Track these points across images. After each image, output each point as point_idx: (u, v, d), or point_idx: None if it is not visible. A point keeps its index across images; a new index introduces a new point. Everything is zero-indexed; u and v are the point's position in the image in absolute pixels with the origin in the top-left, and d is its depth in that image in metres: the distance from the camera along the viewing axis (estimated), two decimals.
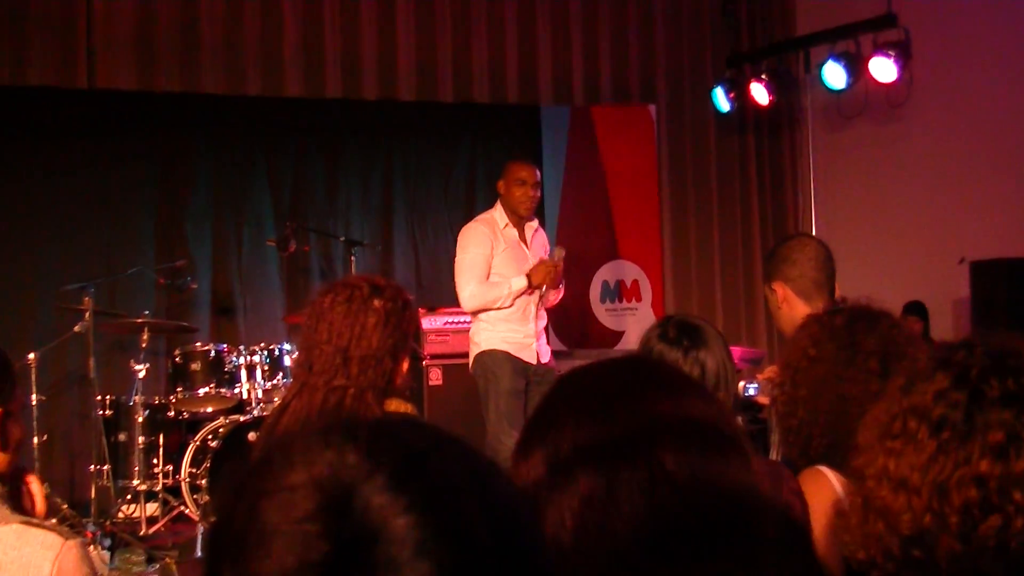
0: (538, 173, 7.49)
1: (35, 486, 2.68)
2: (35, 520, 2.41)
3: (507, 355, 7.09)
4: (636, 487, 1.44)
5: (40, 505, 2.69)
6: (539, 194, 7.50)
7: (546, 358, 7.42)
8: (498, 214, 7.38)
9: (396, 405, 3.37)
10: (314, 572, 0.90)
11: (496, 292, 7.10)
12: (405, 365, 3.40)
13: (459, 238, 7.39)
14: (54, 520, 6.67)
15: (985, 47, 8.85)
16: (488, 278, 7.15)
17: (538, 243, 7.53)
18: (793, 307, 4.07)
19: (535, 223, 7.57)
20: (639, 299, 9.84)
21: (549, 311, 8.85)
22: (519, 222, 7.40)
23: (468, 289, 7.13)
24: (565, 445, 1.50)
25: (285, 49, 8.80)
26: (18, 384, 2.62)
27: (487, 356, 7.13)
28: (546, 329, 7.75)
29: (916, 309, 8.88)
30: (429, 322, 8.59)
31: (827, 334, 2.70)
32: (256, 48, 8.73)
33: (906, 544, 1.72)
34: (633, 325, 9.54)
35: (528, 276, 7.06)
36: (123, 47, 8.35)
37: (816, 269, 4.12)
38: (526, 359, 7.21)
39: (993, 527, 1.65)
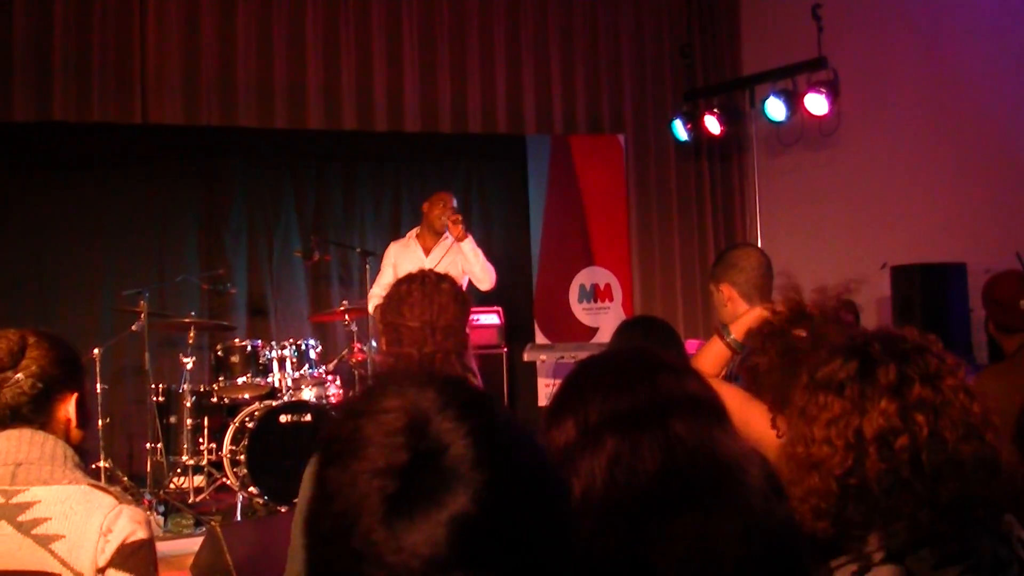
0: (454, 200, 7.73)
1: None
2: (102, 484, 2.46)
3: None
4: (656, 448, 1.53)
5: None
6: (457, 216, 7.51)
7: None
8: (411, 232, 7.84)
9: (468, 378, 3.36)
10: (396, 473, 1.01)
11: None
12: (469, 339, 3.47)
13: None
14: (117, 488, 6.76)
15: (902, 84, 8.83)
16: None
17: (447, 257, 7.59)
18: (736, 305, 4.07)
19: (449, 240, 7.64)
20: (611, 299, 9.89)
21: (537, 311, 9.00)
22: (433, 239, 7.68)
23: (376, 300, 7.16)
24: (593, 415, 1.59)
25: (308, 88, 8.84)
26: (85, 370, 2.68)
27: None
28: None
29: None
30: None
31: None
32: (284, 87, 8.76)
33: (840, 480, 1.85)
34: (606, 322, 9.61)
35: None
36: (171, 87, 8.40)
37: (758, 276, 4.12)
38: None
39: (904, 444, 1.82)
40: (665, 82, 10.29)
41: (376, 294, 7.43)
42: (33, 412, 2.46)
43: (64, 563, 2.33)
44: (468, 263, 7.54)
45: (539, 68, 9.76)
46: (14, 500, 2.36)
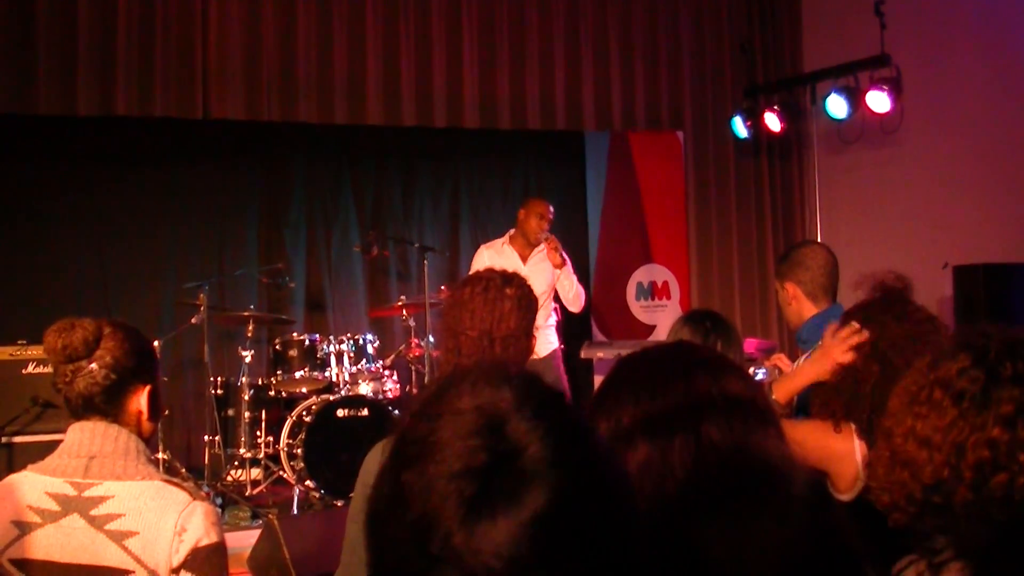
0: (552, 212, 7.67)
1: None
2: (175, 480, 2.48)
3: None
4: (687, 455, 1.48)
5: None
6: (549, 227, 7.59)
7: (537, 352, 7.35)
8: (504, 238, 7.75)
9: None
10: (474, 475, 1.00)
11: None
12: (535, 342, 3.37)
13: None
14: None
15: (965, 81, 8.72)
16: None
17: (540, 264, 7.62)
18: (801, 305, 4.05)
19: (543, 249, 7.61)
20: (668, 297, 9.84)
21: (594, 308, 8.98)
22: (526, 244, 7.64)
23: None
24: (626, 418, 1.54)
25: (368, 83, 8.82)
26: (158, 363, 2.68)
27: None
28: (559, 327, 7.84)
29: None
30: None
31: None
32: (344, 83, 8.76)
33: (927, 491, 1.81)
34: (663, 319, 9.55)
35: None
36: (233, 82, 8.41)
37: (825, 275, 4.09)
38: None
39: (1001, 483, 1.74)
40: (725, 78, 10.19)
41: None
42: (105, 403, 2.48)
43: (138, 560, 2.35)
44: (561, 284, 7.60)
45: (598, 64, 9.68)
46: (86, 493, 2.40)
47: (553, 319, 7.77)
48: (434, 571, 1.00)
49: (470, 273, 7.33)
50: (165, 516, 2.36)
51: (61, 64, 7.87)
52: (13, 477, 2.52)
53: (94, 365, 2.47)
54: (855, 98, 8.75)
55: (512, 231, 7.74)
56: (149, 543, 2.35)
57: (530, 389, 1.08)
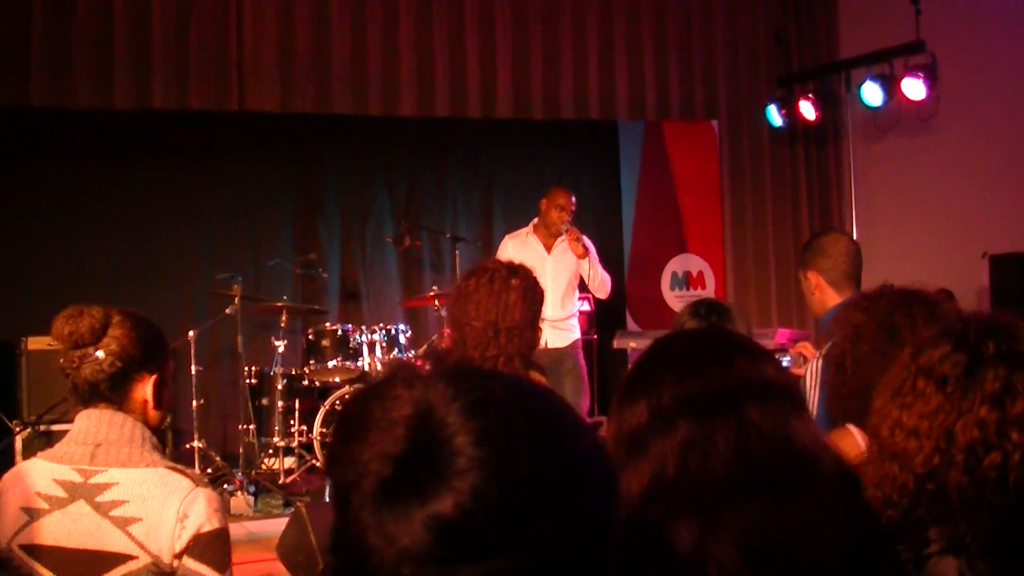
0: (574, 202, 7.62)
1: None
2: (179, 467, 2.50)
3: None
4: (730, 435, 1.50)
5: None
6: (570, 218, 7.53)
7: (557, 343, 7.36)
8: (528, 228, 7.69)
9: (535, 377, 3.33)
10: (393, 461, 0.99)
11: None
12: (540, 334, 3.38)
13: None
14: (197, 469, 6.91)
15: (1001, 68, 8.65)
16: None
17: (563, 254, 7.56)
18: (824, 294, 4.04)
19: (564, 241, 7.53)
20: (703, 287, 9.80)
21: (629, 298, 8.98)
22: (549, 236, 7.59)
23: None
24: (667, 398, 1.56)
25: (401, 75, 8.82)
26: (170, 354, 2.70)
27: None
28: (589, 317, 7.82)
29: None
30: None
31: (871, 316, 2.62)
32: (377, 75, 8.76)
33: (919, 480, 1.76)
34: None
35: None
36: (267, 75, 8.44)
37: (847, 263, 4.07)
38: None
39: (994, 462, 1.70)
40: (760, 67, 10.15)
41: None
42: (111, 390, 2.51)
43: (142, 546, 2.38)
44: (585, 273, 7.58)
45: (632, 53, 9.65)
46: (92, 480, 2.43)
47: (576, 308, 7.75)
48: (354, 548, 1.01)
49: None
50: (168, 503, 2.39)
51: (98, 59, 7.94)
52: (23, 464, 2.57)
53: (100, 353, 2.50)
54: (890, 85, 8.73)
55: (535, 220, 7.72)
56: (152, 529, 2.38)
57: (468, 386, 1.05)
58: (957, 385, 1.77)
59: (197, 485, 2.45)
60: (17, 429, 7.23)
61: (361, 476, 1.01)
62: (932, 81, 8.48)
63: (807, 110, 9.51)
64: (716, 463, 1.49)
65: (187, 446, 7.78)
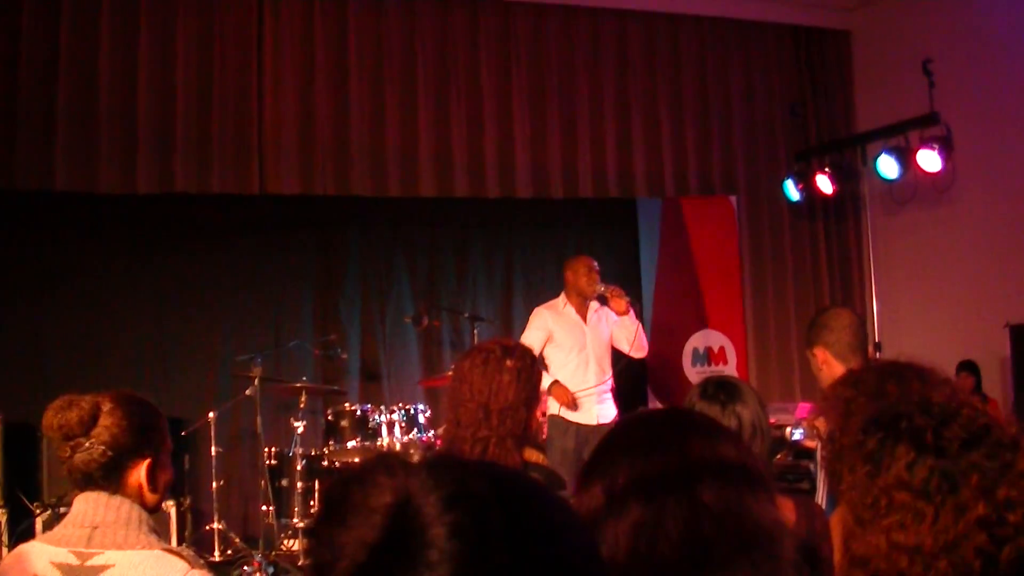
0: (597, 265, 7.72)
1: None
2: (176, 548, 2.53)
3: (561, 419, 7.38)
4: (680, 516, 1.48)
5: None
6: (600, 278, 7.67)
7: (606, 419, 7.48)
8: (560, 299, 7.74)
9: (529, 454, 3.35)
10: (369, 548, 0.98)
11: None
12: (538, 414, 3.38)
13: (530, 317, 7.80)
14: (217, 550, 6.90)
15: (1016, 138, 8.68)
16: (546, 349, 7.50)
17: (598, 318, 7.72)
18: (832, 368, 4.05)
19: (597, 304, 7.73)
20: (725, 363, 9.77)
21: (650, 375, 8.98)
22: (582, 303, 7.67)
23: None
24: (620, 479, 1.54)
25: (420, 156, 8.87)
26: (165, 435, 2.71)
27: (549, 420, 7.44)
28: (614, 392, 7.83)
29: (968, 367, 8.71)
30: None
31: (860, 390, 2.55)
32: (396, 156, 8.81)
33: None
34: None
35: (550, 389, 7.35)
36: (288, 158, 8.47)
37: (851, 335, 4.11)
38: (581, 421, 7.42)
39: (1010, 558, 1.61)
40: (777, 141, 10.20)
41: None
42: (103, 478, 2.55)
43: None
44: (622, 330, 7.66)
45: (649, 130, 9.70)
46: (89, 563, 2.46)
47: (610, 382, 7.76)
48: None
49: (529, 331, 7.45)
50: None
51: (121, 142, 8.02)
52: (23, 547, 2.60)
53: (91, 442, 2.54)
54: (906, 158, 8.75)
55: (563, 294, 7.77)
56: None
57: (449, 477, 1.04)
58: (942, 492, 1.66)
59: (193, 567, 2.47)
60: (37, 511, 7.26)
61: (337, 559, 1.00)
62: (947, 153, 8.50)
63: (824, 184, 9.54)
64: (665, 544, 1.48)
65: (207, 528, 7.79)
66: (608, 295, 7.55)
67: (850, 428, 2.19)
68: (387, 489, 1.03)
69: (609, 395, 7.70)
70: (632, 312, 7.63)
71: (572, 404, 7.35)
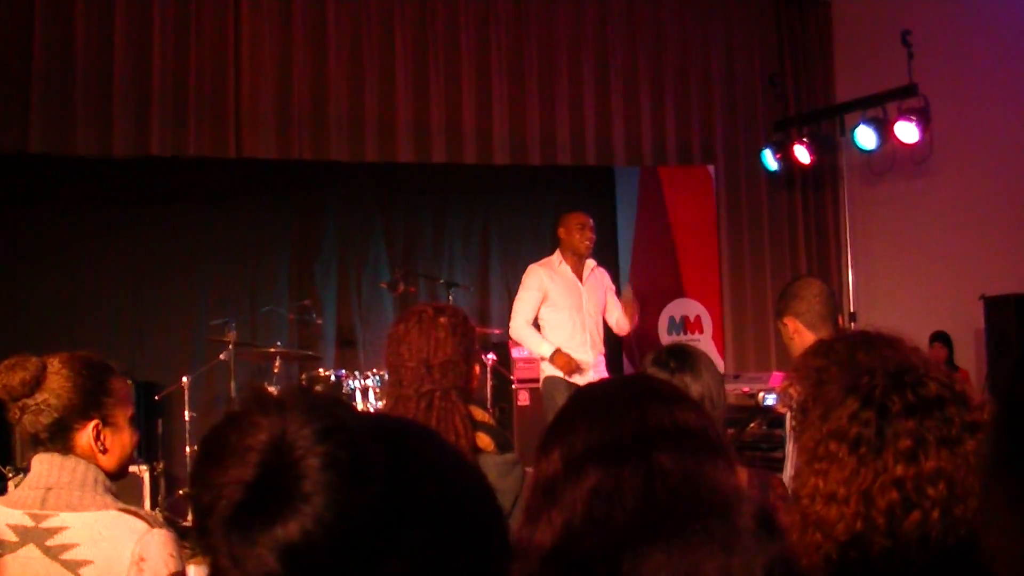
0: (591, 221, 7.57)
1: None
2: (133, 508, 2.51)
3: (563, 381, 7.20)
4: (638, 481, 1.47)
5: None
6: (594, 236, 7.54)
7: (602, 374, 7.44)
8: (555, 256, 7.57)
9: (476, 412, 3.33)
10: (245, 486, 0.99)
11: (530, 341, 7.35)
12: (477, 369, 3.38)
13: (523, 276, 7.59)
14: (191, 515, 6.93)
15: (994, 110, 8.72)
16: (540, 310, 7.38)
17: (595, 280, 7.63)
18: (803, 337, 4.07)
19: (592, 263, 7.63)
20: (701, 332, 9.80)
21: (625, 342, 8.99)
22: (577, 262, 7.54)
23: (516, 322, 7.38)
24: (579, 446, 1.53)
25: (399, 121, 8.88)
26: (118, 397, 2.65)
27: (548, 381, 7.32)
28: (607, 357, 7.84)
29: (941, 338, 8.76)
30: (518, 351, 8.66)
31: (831, 359, 2.62)
32: (374, 121, 8.82)
33: (843, 548, 1.74)
34: None
35: (552, 358, 7.24)
36: (265, 122, 8.48)
37: (821, 304, 4.14)
38: (580, 382, 7.22)
39: (914, 522, 1.69)
40: (756, 111, 10.23)
41: (516, 328, 7.42)
42: (51, 440, 2.53)
43: None
44: (614, 303, 7.66)
45: (628, 99, 9.72)
46: (43, 524, 2.45)
47: (601, 350, 7.71)
48: (212, 571, 1.04)
49: (524, 291, 7.38)
50: (121, 545, 2.41)
51: (97, 106, 8.00)
52: None
53: (37, 404, 2.53)
54: (884, 129, 8.77)
55: (558, 251, 7.62)
56: (104, 572, 2.39)
57: (322, 413, 1.04)
58: (870, 446, 1.75)
59: (153, 526, 2.46)
60: (10, 475, 7.25)
61: (216, 500, 1.02)
62: (925, 124, 8.54)
63: (802, 154, 9.56)
64: (621, 510, 1.47)
65: (180, 492, 7.80)
66: (631, 305, 7.59)
67: (822, 397, 2.29)
68: (262, 428, 1.03)
69: (603, 359, 7.66)
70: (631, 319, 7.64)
71: (576, 370, 7.25)
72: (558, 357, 7.22)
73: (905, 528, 1.70)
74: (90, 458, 2.56)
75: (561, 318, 7.41)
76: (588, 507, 1.48)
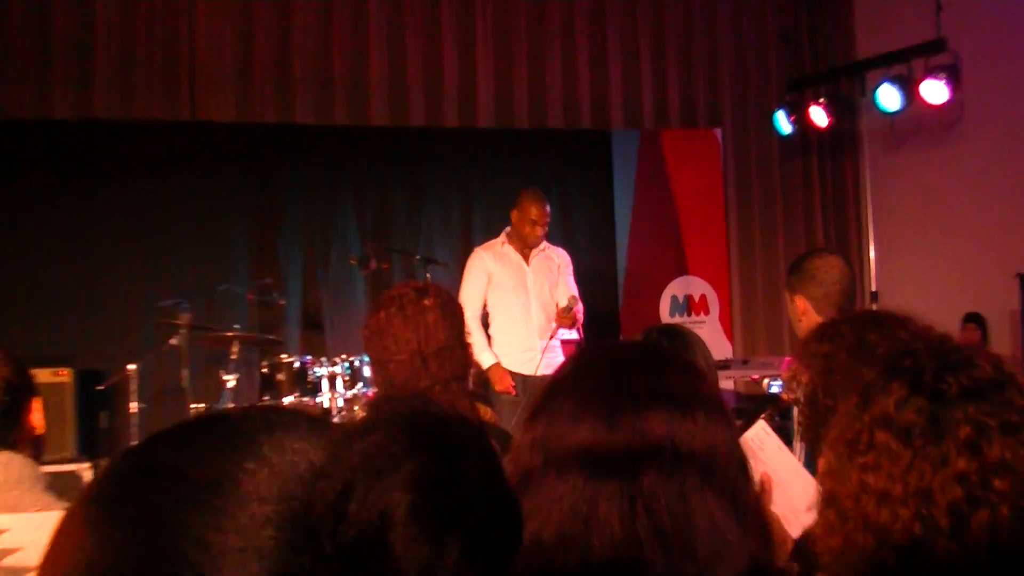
0: (548, 211, 7.43)
1: None
2: None
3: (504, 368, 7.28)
4: (619, 507, 1.42)
5: None
6: (546, 229, 7.44)
7: (548, 371, 7.23)
8: (500, 239, 7.57)
9: (481, 410, 3.37)
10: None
11: (474, 344, 7.20)
12: (471, 350, 3.32)
13: (467, 262, 7.64)
14: None
15: None
16: (485, 298, 7.43)
17: (543, 260, 7.53)
18: (811, 320, 3.97)
19: (544, 247, 7.52)
20: (707, 313, 9.76)
21: (623, 326, 8.82)
22: (525, 246, 7.48)
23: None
24: (568, 439, 1.50)
25: (371, 81, 8.85)
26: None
27: (491, 368, 7.30)
28: (578, 346, 7.56)
29: (975, 319, 8.77)
30: None
31: (838, 344, 2.52)
32: (344, 81, 8.77)
33: (902, 554, 1.59)
34: (702, 337, 9.34)
35: (490, 372, 7.24)
36: (222, 82, 8.45)
37: (839, 292, 4.06)
38: (524, 372, 7.30)
39: (983, 521, 1.55)
40: (768, 71, 10.23)
41: (470, 305, 7.19)
42: (5, 427, 2.58)
43: None
44: (565, 291, 7.44)
45: (627, 56, 9.70)
46: None
47: (561, 331, 7.49)
48: None
49: (467, 278, 7.26)
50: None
51: (35, 63, 7.96)
52: None
53: None
54: (909, 88, 8.74)
55: (508, 230, 7.55)
56: None
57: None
58: (926, 436, 1.60)
59: None
60: None
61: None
62: (955, 83, 8.46)
63: (818, 116, 9.45)
64: (598, 536, 1.42)
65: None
66: (560, 318, 7.26)
67: (831, 389, 2.44)
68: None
69: (558, 346, 7.50)
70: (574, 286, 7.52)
71: (509, 390, 7.22)
72: (493, 371, 7.25)
73: (973, 529, 1.55)
74: (29, 447, 2.63)
75: (507, 301, 7.42)
76: (556, 514, 1.45)
